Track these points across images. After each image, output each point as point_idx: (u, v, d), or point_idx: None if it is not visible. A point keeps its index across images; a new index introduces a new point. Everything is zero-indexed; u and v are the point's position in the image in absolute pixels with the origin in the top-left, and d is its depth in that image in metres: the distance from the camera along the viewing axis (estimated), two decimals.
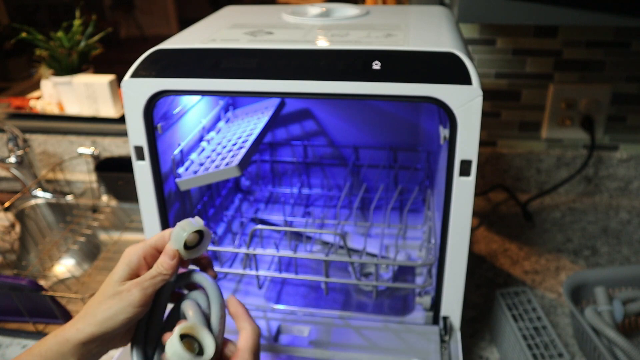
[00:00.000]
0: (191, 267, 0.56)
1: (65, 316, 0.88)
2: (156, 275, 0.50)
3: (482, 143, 1.18)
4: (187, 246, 0.51)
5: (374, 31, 0.71)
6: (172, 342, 0.46)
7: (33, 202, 1.22)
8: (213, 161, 0.81)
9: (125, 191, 1.20)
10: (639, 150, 1.15)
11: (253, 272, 0.80)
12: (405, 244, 0.94)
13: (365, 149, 1.03)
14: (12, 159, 1.20)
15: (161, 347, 0.51)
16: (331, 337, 0.72)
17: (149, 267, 0.52)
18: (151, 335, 0.52)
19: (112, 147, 1.25)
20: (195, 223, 0.51)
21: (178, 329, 0.47)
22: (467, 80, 0.58)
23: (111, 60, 1.72)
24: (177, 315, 0.53)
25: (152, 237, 0.53)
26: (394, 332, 0.72)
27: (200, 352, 0.48)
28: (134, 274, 0.51)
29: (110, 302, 0.48)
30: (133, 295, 0.48)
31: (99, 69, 1.32)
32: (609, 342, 0.72)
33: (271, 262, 0.89)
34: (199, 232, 0.52)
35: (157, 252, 0.52)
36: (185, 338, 0.47)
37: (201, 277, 0.54)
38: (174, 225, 0.52)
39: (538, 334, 0.74)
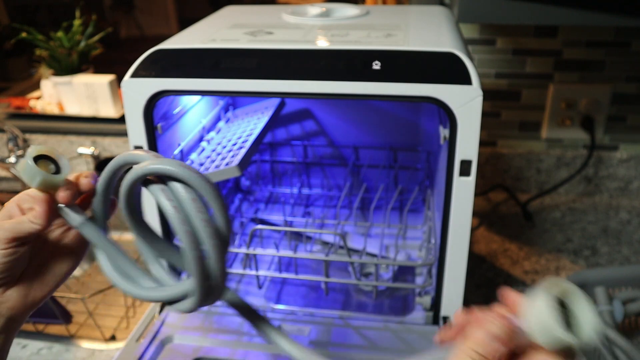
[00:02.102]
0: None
1: (65, 316, 0.88)
2: (24, 220, 0.41)
3: (482, 143, 1.18)
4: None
5: (374, 31, 0.71)
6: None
7: None
8: (213, 161, 0.81)
9: None
10: (639, 150, 1.15)
11: (253, 272, 0.80)
12: (405, 244, 0.94)
13: (365, 149, 1.03)
14: (12, 159, 1.20)
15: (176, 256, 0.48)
16: (331, 337, 0.72)
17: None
18: (160, 250, 0.48)
19: (112, 147, 1.25)
20: (33, 150, 0.42)
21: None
22: (467, 80, 0.58)
23: (111, 60, 1.72)
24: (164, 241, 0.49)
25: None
26: (394, 332, 0.72)
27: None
28: None
29: None
30: None
31: (99, 69, 1.31)
32: (609, 342, 0.72)
33: (271, 262, 0.89)
34: (46, 158, 0.43)
35: None
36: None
37: (148, 168, 0.42)
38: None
39: None
